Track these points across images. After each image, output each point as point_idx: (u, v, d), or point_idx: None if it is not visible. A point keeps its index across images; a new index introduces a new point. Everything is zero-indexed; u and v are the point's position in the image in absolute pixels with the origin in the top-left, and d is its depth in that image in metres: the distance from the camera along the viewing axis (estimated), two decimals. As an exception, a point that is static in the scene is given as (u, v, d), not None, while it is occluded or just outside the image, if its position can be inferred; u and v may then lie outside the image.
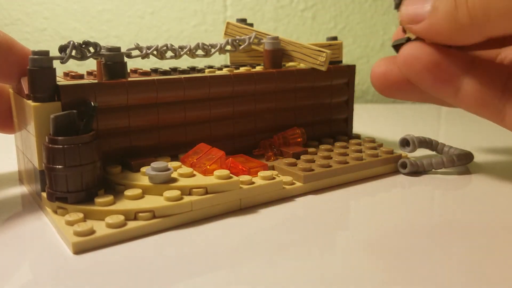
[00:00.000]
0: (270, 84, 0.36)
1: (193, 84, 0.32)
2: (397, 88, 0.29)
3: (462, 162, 0.35)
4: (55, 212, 0.26)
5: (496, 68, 0.24)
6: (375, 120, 0.59)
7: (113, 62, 0.30)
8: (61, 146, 0.25)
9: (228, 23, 0.41)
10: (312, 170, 0.32)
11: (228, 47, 0.38)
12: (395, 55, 0.27)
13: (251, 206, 0.29)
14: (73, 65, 0.66)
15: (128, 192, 0.26)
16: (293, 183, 0.31)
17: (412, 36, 0.28)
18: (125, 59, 0.31)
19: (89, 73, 0.36)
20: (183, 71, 0.37)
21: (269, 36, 0.38)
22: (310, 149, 0.36)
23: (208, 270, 0.21)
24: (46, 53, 0.27)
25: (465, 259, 0.22)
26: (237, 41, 0.38)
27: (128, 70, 0.33)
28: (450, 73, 0.25)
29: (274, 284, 0.20)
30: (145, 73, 0.35)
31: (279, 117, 0.38)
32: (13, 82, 0.29)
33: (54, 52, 0.28)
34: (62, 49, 0.29)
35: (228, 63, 0.43)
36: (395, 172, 0.36)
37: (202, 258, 0.22)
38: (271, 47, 0.38)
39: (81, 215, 0.25)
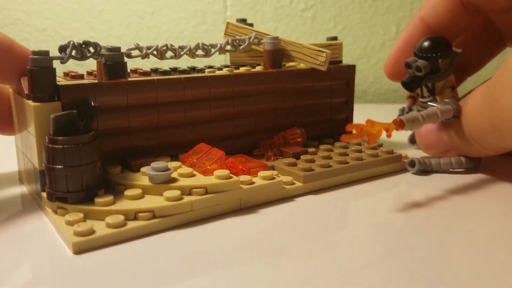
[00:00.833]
0: (270, 84, 0.36)
1: (193, 84, 0.32)
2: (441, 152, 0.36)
3: (470, 165, 0.35)
4: (55, 212, 0.26)
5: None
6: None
7: (113, 62, 0.30)
8: (61, 146, 0.25)
9: (228, 23, 0.41)
10: (312, 170, 0.32)
11: (228, 47, 0.38)
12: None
13: (251, 206, 0.29)
14: (73, 65, 0.66)
15: (128, 192, 0.26)
16: (293, 183, 0.31)
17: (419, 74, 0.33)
18: (125, 59, 0.31)
19: (89, 73, 0.36)
20: (183, 71, 0.37)
21: (269, 36, 0.38)
22: (310, 149, 0.36)
23: (208, 270, 0.21)
24: (46, 53, 0.27)
25: (465, 259, 0.22)
26: (237, 41, 0.38)
27: (128, 70, 0.33)
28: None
29: (274, 284, 0.20)
30: (145, 73, 0.35)
31: (279, 117, 0.38)
32: (13, 83, 0.29)
33: (54, 52, 0.28)
34: (62, 49, 0.29)
35: (228, 63, 0.43)
36: (395, 172, 0.36)
37: (202, 258, 0.22)
38: (271, 47, 0.38)
39: (81, 215, 0.25)
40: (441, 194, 0.32)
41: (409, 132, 0.39)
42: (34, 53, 0.27)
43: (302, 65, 0.40)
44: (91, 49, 0.30)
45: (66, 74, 0.34)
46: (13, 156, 0.37)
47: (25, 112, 0.28)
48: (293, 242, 0.24)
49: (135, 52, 0.32)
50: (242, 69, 0.37)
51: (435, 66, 0.33)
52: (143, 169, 0.28)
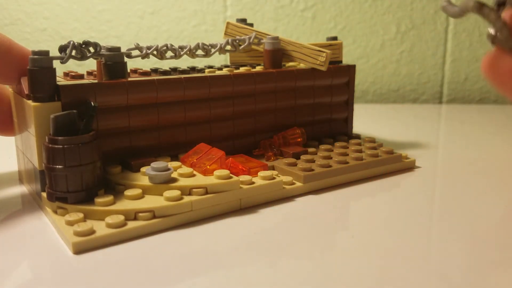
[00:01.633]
0: (270, 84, 0.36)
1: (193, 84, 0.32)
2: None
3: None
4: (55, 212, 0.26)
5: None
6: (375, 120, 0.59)
7: (113, 62, 0.30)
8: (61, 146, 0.25)
9: (228, 23, 0.41)
10: (312, 170, 0.32)
11: (228, 47, 0.38)
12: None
13: (251, 206, 0.29)
14: (73, 65, 0.66)
15: (128, 192, 0.26)
16: (293, 183, 0.31)
17: None
18: (125, 59, 0.31)
19: (89, 73, 0.36)
20: (183, 71, 0.37)
21: (269, 36, 0.38)
22: (310, 149, 0.36)
23: (208, 270, 0.21)
24: (46, 53, 0.27)
25: (465, 259, 0.22)
26: (237, 41, 0.38)
27: (128, 70, 0.33)
28: None
29: (274, 284, 0.20)
30: (145, 73, 0.35)
31: (279, 117, 0.38)
32: (12, 83, 0.29)
33: (54, 52, 0.28)
34: (62, 49, 0.29)
35: (228, 63, 0.43)
36: (395, 172, 0.36)
37: (202, 258, 0.22)
38: (271, 47, 0.38)
39: (81, 215, 0.25)
40: (441, 194, 0.32)
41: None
42: (34, 53, 0.27)
43: (302, 65, 0.40)
44: (91, 49, 0.30)
45: (66, 74, 0.34)
46: (13, 156, 0.37)
47: (25, 112, 0.28)
48: (293, 242, 0.24)
49: (135, 52, 0.32)
50: (242, 69, 0.37)
51: None
52: (143, 169, 0.28)
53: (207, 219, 0.27)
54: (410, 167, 0.37)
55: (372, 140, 0.39)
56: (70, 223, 0.24)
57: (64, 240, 0.24)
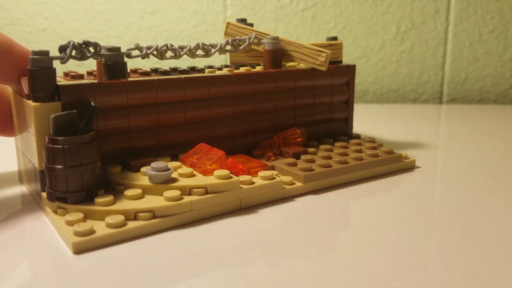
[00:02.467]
0: (270, 84, 0.36)
1: (193, 84, 0.32)
2: None
3: None
4: (55, 212, 0.26)
5: None
6: (375, 120, 0.59)
7: (113, 62, 0.30)
8: (61, 146, 0.25)
9: (228, 23, 0.41)
10: (312, 170, 0.32)
11: (228, 47, 0.38)
12: None
13: (251, 206, 0.29)
14: (73, 65, 0.66)
15: (128, 192, 0.26)
16: (293, 183, 0.31)
17: None
18: (125, 59, 0.31)
19: (89, 73, 0.36)
20: (183, 71, 0.37)
21: (269, 36, 0.38)
22: (310, 149, 0.36)
23: (208, 270, 0.21)
24: (46, 53, 0.27)
25: (465, 259, 0.22)
26: (237, 41, 0.38)
27: (128, 70, 0.33)
28: None
29: (274, 284, 0.20)
30: (145, 73, 0.35)
31: (279, 117, 0.38)
32: (12, 83, 0.29)
33: (54, 52, 0.28)
34: (62, 49, 0.29)
35: (228, 63, 0.43)
36: (395, 172, 0.36)
37: (202, 258, 0.22)
38: (271, 47, 0.38)
39: (81, 215, 0.25)
40: (441, 194, 0.32)
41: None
42: (34, 53, 0.27)
43: (302, 65, 0.40)
44: (91, 49, 0.30)
45: (66, 74, 0.34)
46: (13, 156, 0.37)
47: (25, 112, 0.28)
48: (293, 242, 0.24)
49: (135, 52, 0.32)
50: (242, 69, 0.37)
51: None
52: (143, 169, 0.28)
53: (207, 219, 0.27)
54: (410, 167, 0.37)
55: (372, 140, 0.39)
56: (70, 223, 0.24)
57: (64, 240, 0.24)
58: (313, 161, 0.33)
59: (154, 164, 0.27)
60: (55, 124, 0.25)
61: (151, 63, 0.71)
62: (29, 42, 0.72)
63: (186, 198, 0.26)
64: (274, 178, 0.30)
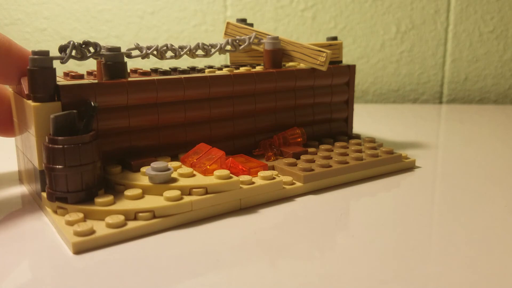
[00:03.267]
0: (270, 84, 0.36)
1: (193, 84, 0.32)
2: None
3: None
4: (55, 212, 0.26)
5: None
6: (375, 120, 0.59)
7: (113, 62, 0.30)
8: (61, 146, 0.25)
9: (228, 23, 0.41)
10: (312, 170, 0.32)
11: (228, 47, 0.38)
12: None
13: (251, 206, 0.29)
14: (73, 65, 0.66)
15: (128, 192, 0.26)
16: (293, 183, 0.31)
17: None
18: (125, 59, 0.31)
19: (89, 73, 0.36)
20: (183, 71, 0.37)
21: (269, 36, 0.38)
22: (310, 149, 0.36)
23: (208, 270, 0.21)
24: (46, 53, 0.27)
25: (465, 259, 0.22)
26: (237, 41, 0.38)
27: (128, 70, 0.33)
28: None
29: (274, 284, 0.20)
30: (145, 73, 0.35)
31: (279, 117, 0.38)
32: (12, 83, 0.29)
33: (54, 52, 0.28)
34: (62, 49, 0.29)
35: (228, 63, 0.43)
36: (395, 172, 0.36)
37: (202, 258, 0.22)
38: (271, 47, 0.38)
39: (81, 215, 0.25)
40: (441, 194, 0.32)
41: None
42: (34, 53, 0.27)
43: (302, 65, 0.40)
44: (91, 49, 0.30)
45: (66, 74, 0.34)
46: (13, 156, 0.37)
47: (25, 112, 0.28)
48: (293, 242, 0.24)
49: (135, 52, 0.32)
50: (242, 69, 0.37)
51: None
52: (143, 169, 0.28)
53: (207, 219, 0.27)
54: (410, 167, 0.37)
55: (372, 140, 0.39)
56: (70, 223, 0.24)
57: (64, 240, 0.24)
58: (313, 161, 0.33)
59: (154, 164, 0.27)
60: (55, 124, 0.25)
61: (151, 63, 0.71)
62: (29, 42, 0.72)
63: (186, 198, 0.26)
64: (274, 178, 0.30)
